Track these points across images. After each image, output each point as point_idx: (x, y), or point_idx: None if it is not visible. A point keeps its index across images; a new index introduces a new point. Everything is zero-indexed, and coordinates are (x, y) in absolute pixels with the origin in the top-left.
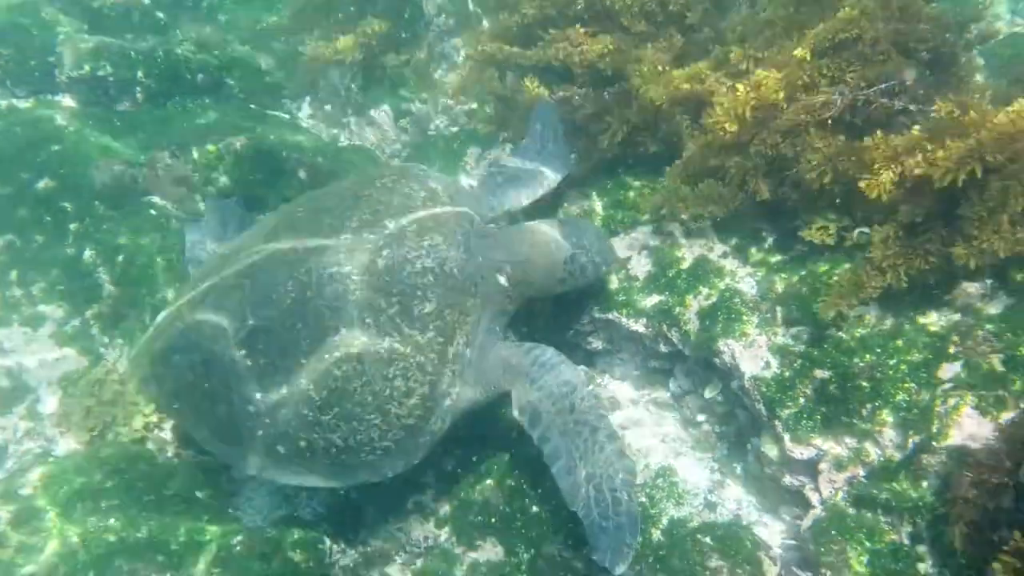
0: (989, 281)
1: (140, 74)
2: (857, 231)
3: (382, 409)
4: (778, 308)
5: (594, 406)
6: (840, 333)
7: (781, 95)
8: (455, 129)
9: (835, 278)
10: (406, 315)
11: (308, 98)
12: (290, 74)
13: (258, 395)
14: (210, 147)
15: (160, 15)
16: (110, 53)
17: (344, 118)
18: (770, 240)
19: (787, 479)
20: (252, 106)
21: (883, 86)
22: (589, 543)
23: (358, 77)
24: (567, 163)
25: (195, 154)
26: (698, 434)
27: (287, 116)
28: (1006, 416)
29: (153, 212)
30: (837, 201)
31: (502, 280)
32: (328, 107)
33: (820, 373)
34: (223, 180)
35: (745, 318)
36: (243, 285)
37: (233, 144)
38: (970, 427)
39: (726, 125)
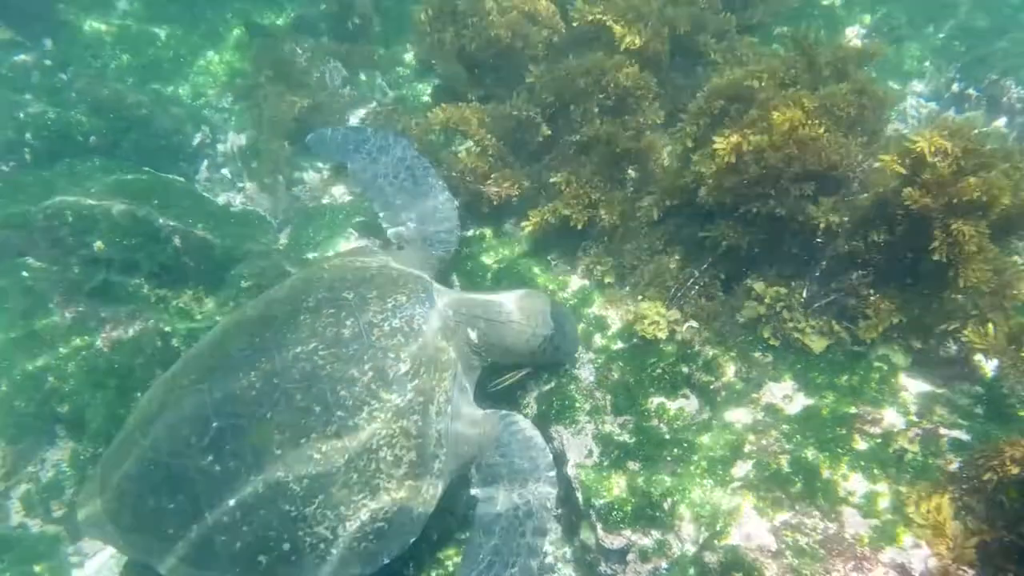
0: (792, 383)
1: (29, 135)
2: (687, 325)
3: (371, 486)
4: (609, 396)
5: (542, 501)
6: (660, 424)
7: None
8: (347, 199)
9: (658, 371)
10: (382, 380)
11: (206, 161)
12: (188, 138)
13: (231, 502)
14: (85, 211)
15: (63, 76)
16: None
17: (240, 183)
18: (615, 327)
19: (603, 567)
20: (146, 168)
21: None
22: None
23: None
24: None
25: (69, 217)
26: None
27: (181, 179)
28: (781, 517)
29: (25, 274)
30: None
31: (472, 335)
32: (225, 171)
33: (632, 464)
34: (98, 243)
35: (578, 405)
36: (201, 390)
37: (110, 209)
38: (748, 526)
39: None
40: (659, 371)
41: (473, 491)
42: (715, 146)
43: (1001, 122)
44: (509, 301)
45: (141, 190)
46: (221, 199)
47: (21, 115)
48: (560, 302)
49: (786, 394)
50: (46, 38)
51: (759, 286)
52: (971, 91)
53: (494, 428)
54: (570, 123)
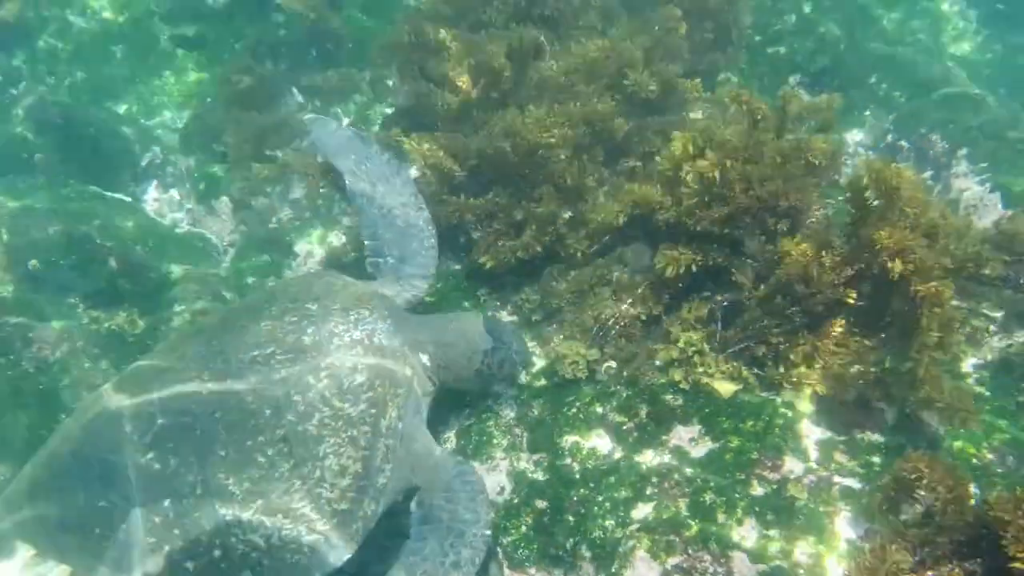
0: (700, 427)
1: None
2: (606, 365)
3: (312, 495)
4: (527, 433)
5: (478, 548)
6: (573, 463)
7: None
8: (297, 223)
9: (573, 410)
10: (337, 388)
11: (155, 181)
12: (136, 158)
13: (167, 502)
14: (19, 232)
15: (13, 91)
16: None
17: (188, 204)
18: (540, 365)
19: None
20: (92, 187)
21: None
22: None
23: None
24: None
25: (5, 236)
26: None
27: (128, 199)
28: (673, 560)
29: None
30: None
31: (424, 359)
32: (174, 191)
33: (540, 503)
34: (33, 263)
35: (496, 441)
36: (150, 388)
37: (46, 229)
38: (640, 570)
39: None
40: (575, 410)
41: (411, 527)
42: (700, 163)
43: (927, 174)
44: (447, 322)
45: (81, 210)
46: (168, 220)
47: None
48: (498, 317)
49: (693, 437)
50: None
51: (675, 329)
52: (903, 143)
53: (446, 471)
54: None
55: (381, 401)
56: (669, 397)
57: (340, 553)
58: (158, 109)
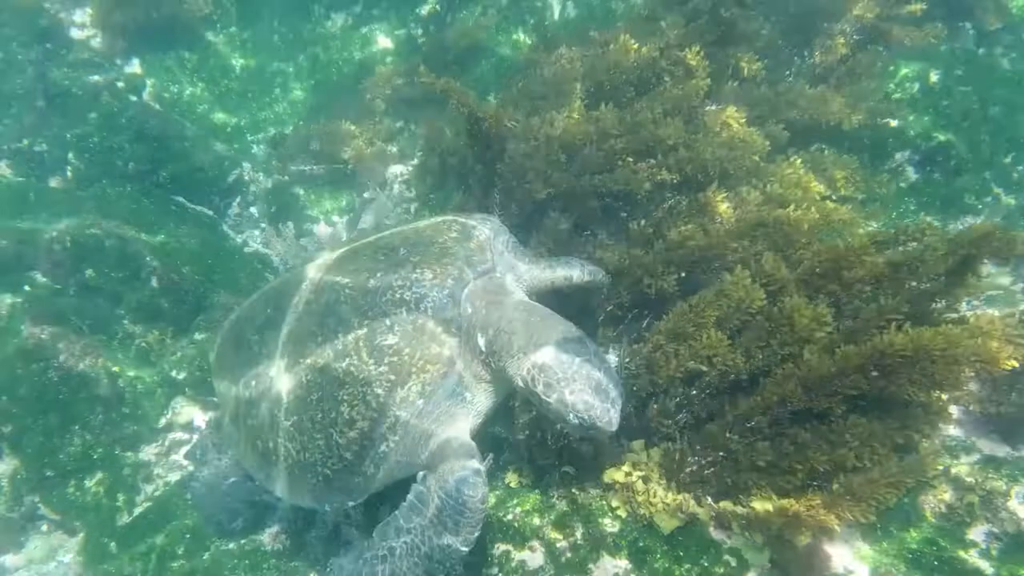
0: (627, 562)
1: (71, 155)
2: (559, 473)
3: (326, 433)
4: None
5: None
6: (499, 574)
7: None
8: None
9: (510, 516)
10: (369, 342)
11: (238, 198)
12: (224, 174)
13: (253, 382)
14: (81, 239)
15: (133, 98)
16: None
17: (262, 223)
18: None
19: None
20: (178, 198)
21: None
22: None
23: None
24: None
25: (68, 243)
26: None
27: (210, 212)
28: None
29: (28, 288)
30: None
31: (480, 341)
32: (253, 209)
33: None
34: (89, 272)
35: None
36: (332, 272)
37: (103, 241)
38: None
39: None
40: (511, 516)
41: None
42: None
43: None
44: (542, 321)
45: (151, 222)
46: (242, 237)
47: (68, 135)
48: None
49: (617, 573)
50: (134, 57)
51: (636, 444)
52: None
53: (453, 475)
54: None
55: (404, 370)
56: (607, 521)
57: (343, 497)
58: (263, 125)
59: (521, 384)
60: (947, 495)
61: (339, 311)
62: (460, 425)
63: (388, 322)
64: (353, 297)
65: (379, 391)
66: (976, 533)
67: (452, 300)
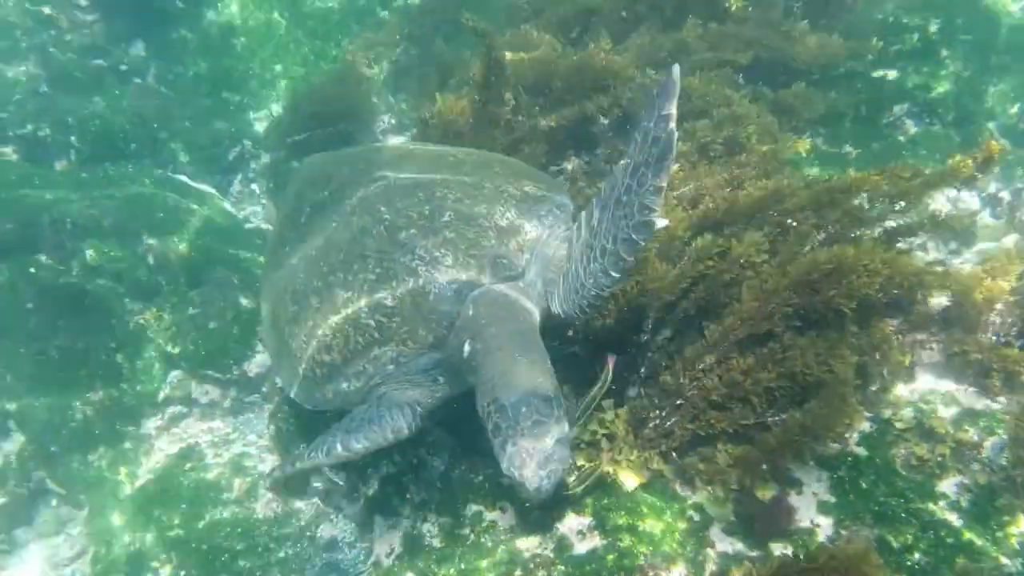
0: (591, 519)
1: (74, 139)
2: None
3: (310, 343)
4: (437, 495)
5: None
6: (470, 534)
7: None
8: None
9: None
10: (371, 292)
11: (240, 175)
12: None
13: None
14: (81, 220)
15: (137, 80)
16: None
17: (264, 200)
18: None
19: None
20: (180, 177)
21: None
22: None
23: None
24: None
25: (68, 224)
26: None
27: (212, 190)
28: None
29: (32, 270)
30: None
31: (465, 347)
32: (254, 186)
33: None
34: (90, 252)
35: (409, 496)
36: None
37: (100, 221)
38: None
39: None
40: (481, 478)
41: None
42: None
43: None
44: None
45: (150, 200)
46: (244, 213)
47: (70, 120)
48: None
49: (581, 529)
50: (138, 40)
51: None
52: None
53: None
54: None
55: (387, 335)
56: (572, 479)
57: (315, 400)
58: (265, 102)
59: (478, 408)
60: (919, 448)
61: (364, 243)
62: (415, 395)
63: (394, 283)
64: (381, 237)
65: (359, 339)
66: (946, 485)
67: (457, 296)
